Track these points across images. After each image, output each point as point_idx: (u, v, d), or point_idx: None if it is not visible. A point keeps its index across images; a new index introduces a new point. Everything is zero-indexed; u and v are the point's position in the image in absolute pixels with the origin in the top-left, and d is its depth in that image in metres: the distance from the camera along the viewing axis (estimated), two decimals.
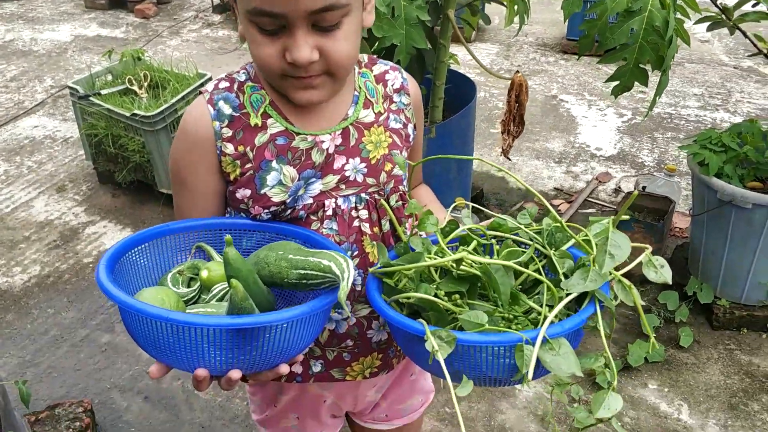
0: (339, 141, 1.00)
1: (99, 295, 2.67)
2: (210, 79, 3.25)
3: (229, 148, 0.98)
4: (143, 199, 3.28)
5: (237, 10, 0.91)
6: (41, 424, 1.96)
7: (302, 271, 0.86)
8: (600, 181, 3.41)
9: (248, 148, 0.97)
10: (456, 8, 2.36)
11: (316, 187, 1.00)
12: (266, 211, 0.99)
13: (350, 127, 1.01)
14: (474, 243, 0.92)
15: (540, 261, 0.91)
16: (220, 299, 0.95)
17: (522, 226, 0.94)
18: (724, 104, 4.22)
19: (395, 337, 0.98)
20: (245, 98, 0.99)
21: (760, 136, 2.27)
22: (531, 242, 0.93)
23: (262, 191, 0.98)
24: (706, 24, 2.32)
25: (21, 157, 3.75)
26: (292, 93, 0.94)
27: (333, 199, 1.01)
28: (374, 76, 1.07)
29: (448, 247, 0.90)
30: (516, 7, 2.55)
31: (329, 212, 1.01)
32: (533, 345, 0.75)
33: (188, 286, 0.97)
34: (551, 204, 3.22)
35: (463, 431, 0.73)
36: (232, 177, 0.99)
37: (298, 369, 1.12)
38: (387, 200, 1.05)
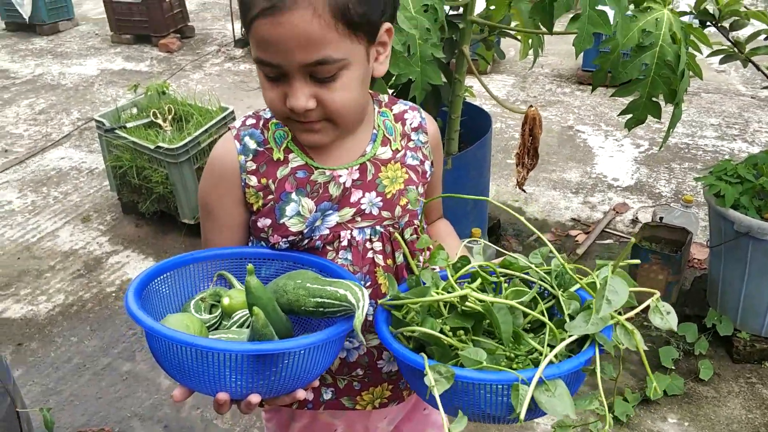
0: (356, 176, 1.05)
1: (121, 324, 2.72)
2: (232, 112, 3.33)
3: (253, 181, 1.03)
4: (166, 230, 3.34)
5: None
6: None
7: (319, 299, 0.89)
8: (617, 212, 3.41)
9: (270, 181, 1.03)
10: (471, 43, 2.42)
11: (333, 218, 1.04)
12: (284, 240, 1.04)
13: (367, 163, 1.06)
14: (479, 281, 0.94)
15: (549, 301, 0.93)
16: (241, 326, 0.99)
17: (533, 266, 0.95)
18: (741, 134, 4.21)
19: (400, 368, 1.00)
20: (269, 134, 1.05)
21: None
22: (540, 282, 0.94)
23: (281, 221, 1.03)
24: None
25: (48, 187, 3.84)
26: (298, 135, 1.01)
27: (349, 231, 1.05)
28: (393, 115, 1.12)
29: (459, 283, 0.92)
30: (530, 40, 2.60)
31: (344, 243, 1.05)
32: (529, 385, 0.77)
33: (210, 313, 1.02)
34: (568, 234, 3.23)
35: None
36: (255, 208, 1.05)
37: (309, 396, 1.15)
38: (402, 234, 1.09)
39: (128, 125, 3.24)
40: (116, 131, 3.18)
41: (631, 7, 1.98)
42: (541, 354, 0.84)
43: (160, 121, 3.29)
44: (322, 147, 1.04)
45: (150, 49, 6.34)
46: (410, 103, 1.15)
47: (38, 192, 3.80)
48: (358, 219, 1.05)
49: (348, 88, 0.93)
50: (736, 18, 2.22)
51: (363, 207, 1.05)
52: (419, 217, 1.12)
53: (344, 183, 1.04)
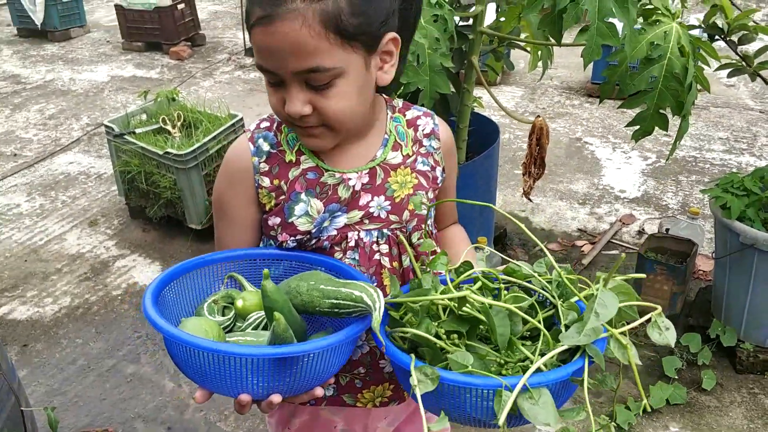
0: (366, 179, 1.07)
1: (126, 327, 2.73)
2: (241, 119, 3.35)
3: (266, 182, 1.06)
4: (173, 234, 3.36)
5: None
6: None
7: (335, 301, 0.91)
8: (624, 223, 3.41)
9: (282, 182, 1.05)
10: (480, 54, 2.43)
11: (341, 220, 1.06)
12: (292, 238, 1.06)
13: (377, 167, 1.08)
14: (479, 284, 0.94)
15: (549, 310, 0.93)
16: (256, 328, 1.01)
17: (535, 274, 0.96)
18: (749, 148, 4.21)
19: (393, 367, 1.01)
20: (282, 137, 1.07)
21: None
22: (541, 291, 0.95)
23: (290, 220, 1.05)
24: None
25: (56, 192, 3.87)
26: (301, 138, 1.04)
27: (356, 233, 1.07)
28: (406, 120, 1.14)
29: (461, 288, 0.93)
30: (539, 52, 2.61)
31: (352, 243, 1.07)
32: (512, 391, 0.77)
33: (223, 315, 1.04)
34: (574, 245, 3.23)
35: None
36: (267, 208, 1.07)
37: (328, 392, 1.17)
38: (410, 238, 1.10)
39: (137, 131, 3.26)
40: (125, 137, 3.21)
41: (640, 19, 1.99)
42: (532, 362, 0.84)
43: (169, 127, 3.31)
44: (334, 149, 1.05)
45: (161, 56, 6.39)
46: (424, 109, 1.17)
47: (46, 196, 3.83)
48: (366, 221, 1.07)
49: (343, 95, 0.95)
50: (745, 32, 2.23)
51: (371, 210, 1.07)
52: (427, 221, 1.13)
53: (353, 186, 1.06)
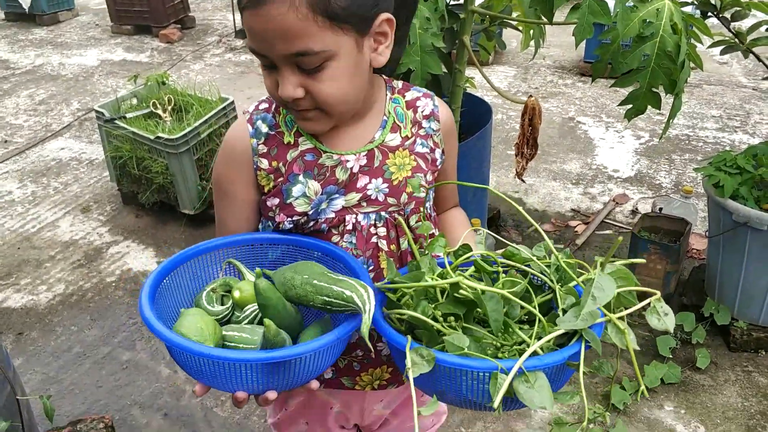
0: (364, 162, 1.06)
1: (121, 314, 2.73)
2: (232, 103, 3.33)
3: (264, 164, 1.05)
4: (166, 220, 3.35)
5: None
6: None
7: (326, 298, 0.91)
8: (617, 203, 3.41)
9: (281, 164, 1.05)
10: (472, 34, 2.41)
11: (339, 202, 1.06)
12: (289, 219, 1.06)
13: (375, 149, 1.07)
14: (471, 269, 0.94)
15: (547, 294, 0.93)
16: (252, 321, 1.02)
17: (534, 258, 0.95)
18: (742, 126, 4.21)
19: (390, 349, 1.01)
20: (281, 118, 1.07)
21: None
22: (539, 275, 0.94)
23: (288, 201, 1.05)
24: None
25: (47, 178, 3.85)
26: (296, 121, 1.04)
27: (354, 215, 1.06)
28: (405, 102, 1.13)
29: (461, 270, 0.93)
30: (531, 31, 2.59)
31: (349, 227, 1.07)
32: (508, 374, 0.77)
33: (222, 303, 1.04)
34: (568, 225, 3.23)
35: None
36: (266, 189, 1.07)
37: (321, 384, 1.17)
38: (407, 220, 1.10)
39: (128, 116, 3.24)
40: (116, 122, 3.18)
41: None
42: (528, 345, 0.84)
43: (159, 111, 3.28)
44: (332, 131, 1.05)
45: (150, 39, 6.33)
46: (424, 90, 1.16)
47: (38, 182, 3.80)
48: (364, 204, 1.07)
49: (335, 78, 0.94)
50: (738, 9, 2.21)
51: (369, 193, 1.06)
52: (426, 204, 1.12)
53: (351, 168, 1.05)
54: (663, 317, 0.86)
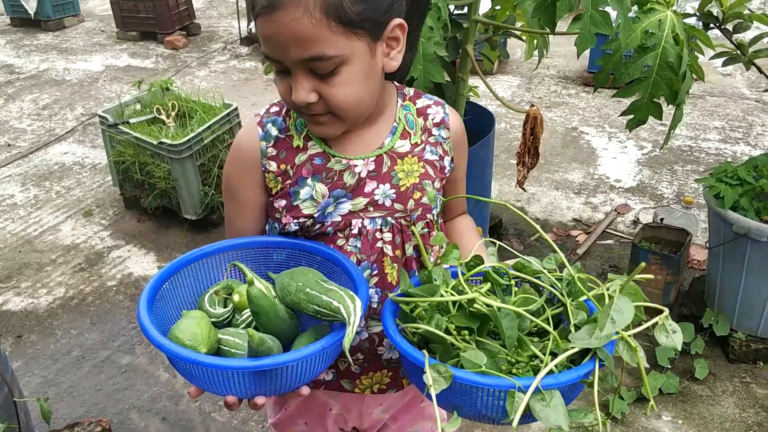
0: (372, 167, 1.07)
1: (121, 318, 2.73)
2: (236, 109, 3.34)
3: (273, 166, 1.07)
4: (168, 225, 3.36)
5: None
6: None
7: (316, 307, 0.92)
8: (618, 213, 3.41)
9: (289, 167, 1.06)
10: (475, 43, 2.42)
11: (346, 206, 1.06)
12: (295, 221, 1.06)
13: (384, 155, 1.08)
14: (488, 285, 0.93)
15: (558, 307, 0.92)
16: (248, 325, 1.03)
17: (545, 271, 0.95)
18: (745, 137, 4.21)
19: (402, 362, 1.01)
20: (291, 122, 1.08)
21: None
22: (550, 288, 0.94)
23: (295, 203, 1.06)
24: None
25: (50, 182, 3.86)
26: (308, 125, 1.05)
27: (360, 220, 1.07)
28: (416, 109, 1.13)
29: (472, 281, 0.93)
30: (535, 41, 2.60)
31: (355, 231, 1.07)
32: (525, 393, 0.77)
33: (225, 305, 1.06)
34: (569, 234, 3.23)
35: None
36: (273, 191, 1.08)
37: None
38: (413, 227, 1.10)
39: (131, 121, 3.25)
40: (119, 127, 3.19)
41: (634, 8, 1.98)
42: (542, 362, 0.83)
43: (163, 117, 3.30)
44: (342, 136, 1.06)
45: (156, 46, 6.36)
46: (435, 98, 1.16)
47: (41, 186, 3.82)
48: (371, 209, 1.07)
49: (349, 83, 0.94)
50: (740, 20, 2.22)
51: (376, 198, 1.07)
52: (433, 211, 1.13)
53: (359, 173, 1.06)
54: (671, 335, 0.86)
